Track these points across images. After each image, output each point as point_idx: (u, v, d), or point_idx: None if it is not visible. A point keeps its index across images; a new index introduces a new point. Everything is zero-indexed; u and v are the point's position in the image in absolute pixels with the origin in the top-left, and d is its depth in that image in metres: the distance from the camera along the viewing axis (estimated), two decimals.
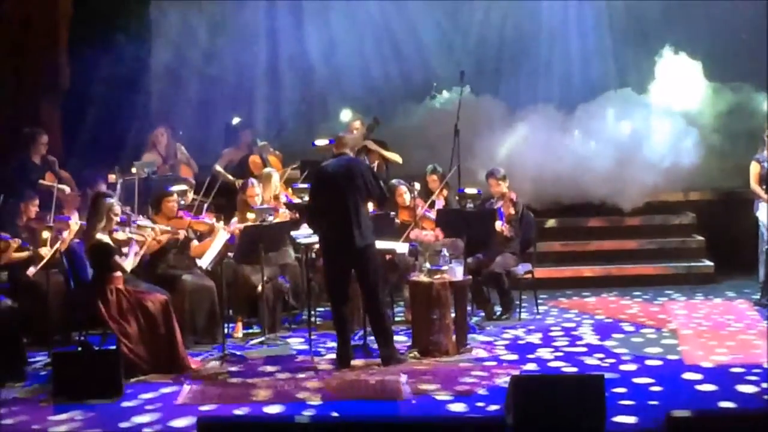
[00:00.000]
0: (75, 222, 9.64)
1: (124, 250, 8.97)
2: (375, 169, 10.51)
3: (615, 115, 14.08)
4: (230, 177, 12.09)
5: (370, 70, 14.45)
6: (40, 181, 10.92)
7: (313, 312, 10.25)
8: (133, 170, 11.42)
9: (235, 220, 10.30)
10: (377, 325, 8.89)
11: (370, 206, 9.47)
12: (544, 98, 14.38)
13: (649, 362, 8.71)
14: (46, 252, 9.21)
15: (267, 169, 11.36)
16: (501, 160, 12.58)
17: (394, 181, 11.14)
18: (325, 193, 8.98)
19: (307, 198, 9.91)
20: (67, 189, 10.92)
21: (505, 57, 14.85)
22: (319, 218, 9.07)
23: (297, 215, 10.38)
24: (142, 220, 9.60)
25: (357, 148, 11.15)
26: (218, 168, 12.31)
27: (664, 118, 13.95)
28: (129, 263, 8.90)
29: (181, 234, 9.77)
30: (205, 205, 10.43)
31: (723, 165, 13.47)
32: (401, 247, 10.10)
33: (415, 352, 9.04)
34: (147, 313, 8.70)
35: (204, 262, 9.38)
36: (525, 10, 15.02)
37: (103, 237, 8.78)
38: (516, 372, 8.28)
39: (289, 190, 11.36)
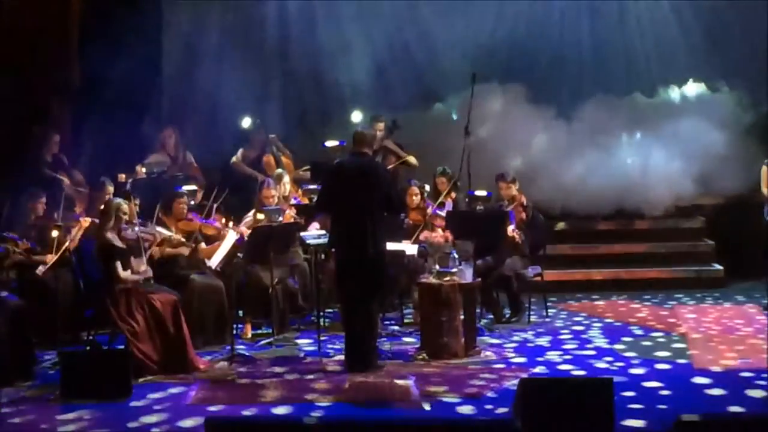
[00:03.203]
0: (84, 220, 9.65)
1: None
2: (391, 172, 10.47)
3: (628, 121, 14.06)
4: (248, 169, 12.15)
5: (382, 71, 14.40)
6: (45, 170, 10.90)
7: (321, 313, 10.24)
8: (143, 170, 11.45)
9: (248, 218, 10.30)
10: (363, 329, 8.68)
11: None
12: (549, 101, 14.34)
13: (658, 366, 8.69)
14: (51, 257, 9.20)
15: (278, 171, 11.39)
16: (515, 163, 12.58)
17: (407, 181, 11.14)
18: (339, 193, 8.72)
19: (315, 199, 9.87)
20: (67, 181, 10.94)
21: (515, 58, 14.76)
22: (333, 224, 8.89)
23: (302, 220, 10.34)
24: (152, 227, 9.50)
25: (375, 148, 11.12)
26: (236, 160, 12.42)
27: (676, 123, 13.92)
28: (137, 267, 8.88)
29: (192, 239, 9.79)
30: (215, 206, 10.44)
31: (734, 169, 13.41)
32: (411, 249, 10.09)
33: (424, 354, 9.03)
34: (156, 313, 8.70)
35: (213, 263, 9.39)
36: (537, 13, 14.94)
37: (112, 238, 8.78)
38: (525, 375, 8.25)
39: (299, 191, 11.38)
